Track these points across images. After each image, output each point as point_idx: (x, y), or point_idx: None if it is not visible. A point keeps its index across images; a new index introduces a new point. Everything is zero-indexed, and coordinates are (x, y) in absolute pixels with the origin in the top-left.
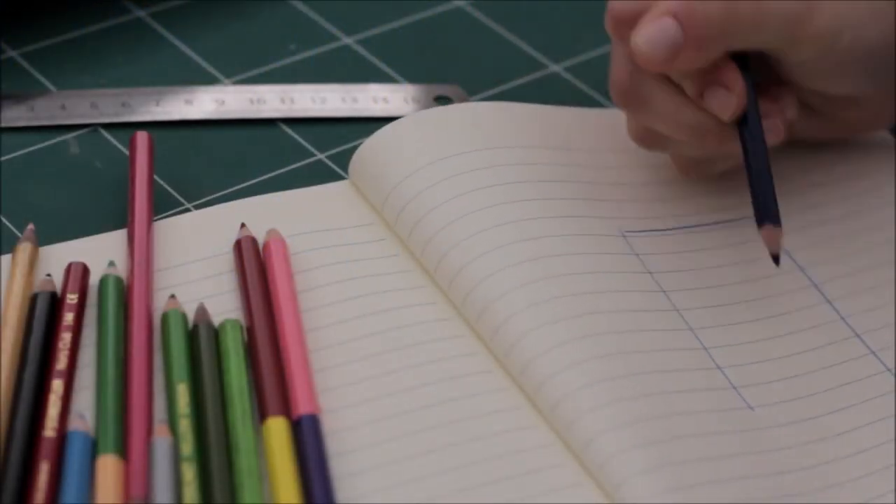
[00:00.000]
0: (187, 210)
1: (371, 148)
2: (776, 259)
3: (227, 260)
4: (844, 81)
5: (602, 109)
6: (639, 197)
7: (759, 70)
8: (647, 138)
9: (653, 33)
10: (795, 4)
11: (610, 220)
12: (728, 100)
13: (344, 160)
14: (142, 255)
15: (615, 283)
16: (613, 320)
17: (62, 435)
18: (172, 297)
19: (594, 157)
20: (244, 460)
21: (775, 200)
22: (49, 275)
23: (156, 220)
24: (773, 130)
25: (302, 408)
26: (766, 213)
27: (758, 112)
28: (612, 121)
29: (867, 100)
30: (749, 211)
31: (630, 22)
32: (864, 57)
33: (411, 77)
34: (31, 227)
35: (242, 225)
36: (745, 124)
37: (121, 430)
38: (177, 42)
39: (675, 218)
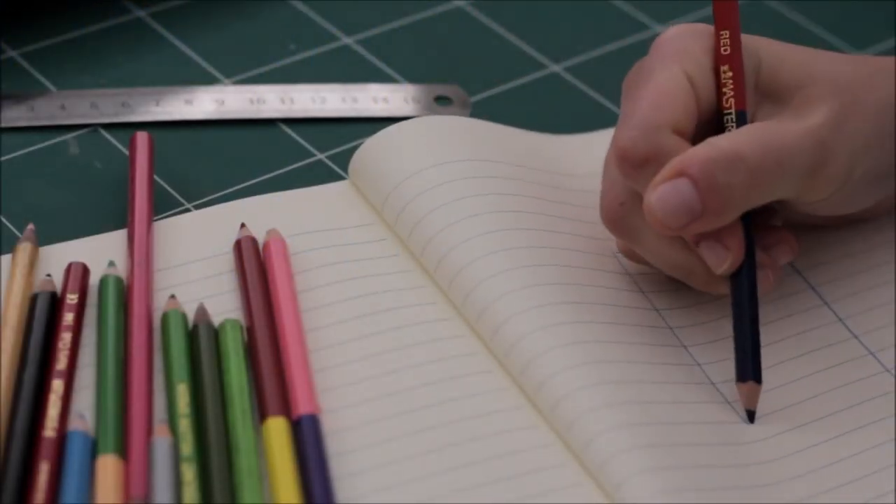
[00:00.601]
0: (187, 210)
1: (371, 148)
2: (751, 416)
3: (227, 260)
4: (854, 203)
5: (594, 134)
6: None
7: (758, 213)
8: (631, 255)
9: (668, 196)
10: (811, 152)
11: (602, 242)
12: (724, 257)
13: (344, 160)
14: (142, 255)
15: (610, 298)
16: (610, 331)
17: (62, 435)
18: (172, 297)
19: (588, 181)
20: (244, 460)
21: (759, 356)
22: (49, 275)
23: (156, 220)
24: (763, 282)
25: (302, 408)
26: (749, 371)
27: (754, 268)
28: (605, 146)
29: (875, 204)
30: None
31: (638, 164)
32: (875, 180)
33: (411, 77)
34: (31, 227)
35: (242, 225)
36: (738, 277)
37: (121, 430)
38: (177, 42)
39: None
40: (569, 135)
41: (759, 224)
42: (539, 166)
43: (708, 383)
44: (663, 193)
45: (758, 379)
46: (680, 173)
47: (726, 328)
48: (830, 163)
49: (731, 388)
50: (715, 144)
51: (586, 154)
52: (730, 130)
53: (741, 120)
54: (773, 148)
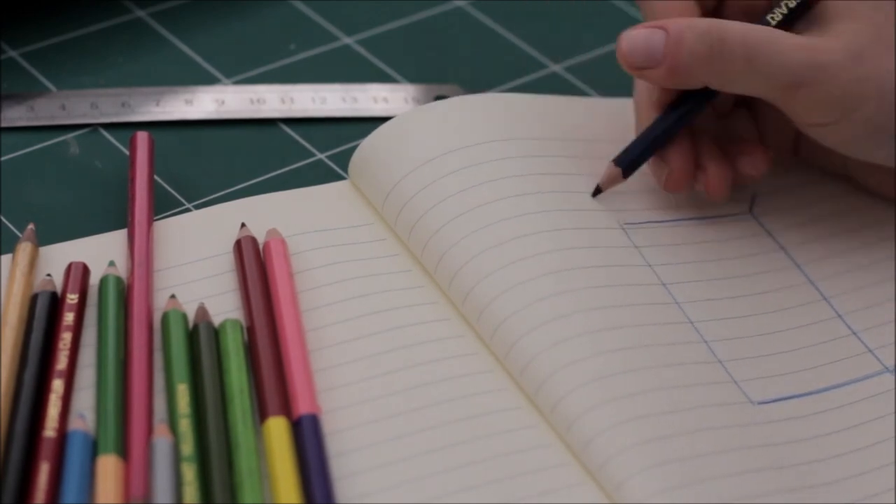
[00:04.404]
0: (187, 210)
1: (370, 147)
2: (597, 190)
3: (227, 260)
4: (864, 149)
5: (600, 99)
6: (638, 188)
7: (759, 112)
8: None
9: (639, 37)
10: (798, 67)
11: (609, 213)
12: (664, 169)
13: (344, 160)
14: (142, 255)
15: (615, 278)
16: (613, 316)
17: (62, 435)
18: (172, 297)
19: (593, 147)
20: (244, 460)
21: (644, 158)
22: (49, 275)
23: (156, 220)
24: (707, 185)
25: (302, 408)
26: (626, 159)
27: (694, 103)
28: (610, 110)
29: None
30: (746, 207)
31: None
32: (890, 129)
33: (411, 77)
34: (31, 227)
35: (242, 225)
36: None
37: (121, 430)
38: (177, 42)
39: (674, 210)
40: (566, 96)
41: (737, 136)
42: (536, 135)
43: (715, 361)
44: (637, 34)
45: (627, 169)
46: (663, 26)
47: (734, 306)
48: (823, 82)
49: (738, 368)
50: (713, 19)
51: (587, 117)
52: (780, 9)
53: (794, 11)
54: (754, 45)
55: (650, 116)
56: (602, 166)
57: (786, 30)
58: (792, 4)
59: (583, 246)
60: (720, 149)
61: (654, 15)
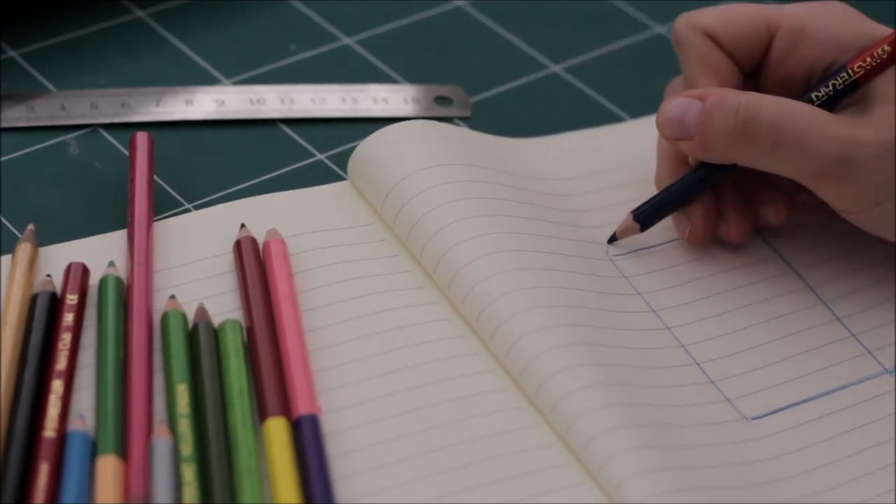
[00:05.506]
0: (187, 210)
1: (369, 148)
2: (612, 238)
3: (227, 260)
4: (887, 231)
5: (582, 133)
6: (620, 218)
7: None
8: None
9: (676, 107)
10: (829, 160)
11: (594, 245)
12: (686, 225)
13: (344, 160)
14: (142, 255)
15: (609, 304)
16: (609, 335)
17: (62, 435)
18: (172, 297)
19: (577, 183)
20: (244, 461)
21: (662, 214)
22: (49, 275)
23: (156, 221)
24: (725, 229)
25: (301, 408)
26: (645, 212)
27: (717, 170)
28: (587, 144)
29: None
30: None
31: (674, 43)
32: None
33: (411, 77)
34: (31, 227)
35: (242, 225)
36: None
37: (121, 431)
38: (177, 42)
39: (657, 234)
40: (549, 136)
41: (762, 179)
42: (526, 172)
43: (707, 382)
44: (674, 104)
45: (643, 224)
46: (702, 96)
47: (724, 325)
48: (855, 178)
49: (731, 386)
50: (750, 92)
51: (566, 155)
52: (826, 87)
53: (845, 88)
54: (784, 130)
55: (671, 169)
56: (586, 201)
57: (829, 108)
58: (839, 86)
59: (577, 271)
60: (742, 194)
61: (690, 79)
